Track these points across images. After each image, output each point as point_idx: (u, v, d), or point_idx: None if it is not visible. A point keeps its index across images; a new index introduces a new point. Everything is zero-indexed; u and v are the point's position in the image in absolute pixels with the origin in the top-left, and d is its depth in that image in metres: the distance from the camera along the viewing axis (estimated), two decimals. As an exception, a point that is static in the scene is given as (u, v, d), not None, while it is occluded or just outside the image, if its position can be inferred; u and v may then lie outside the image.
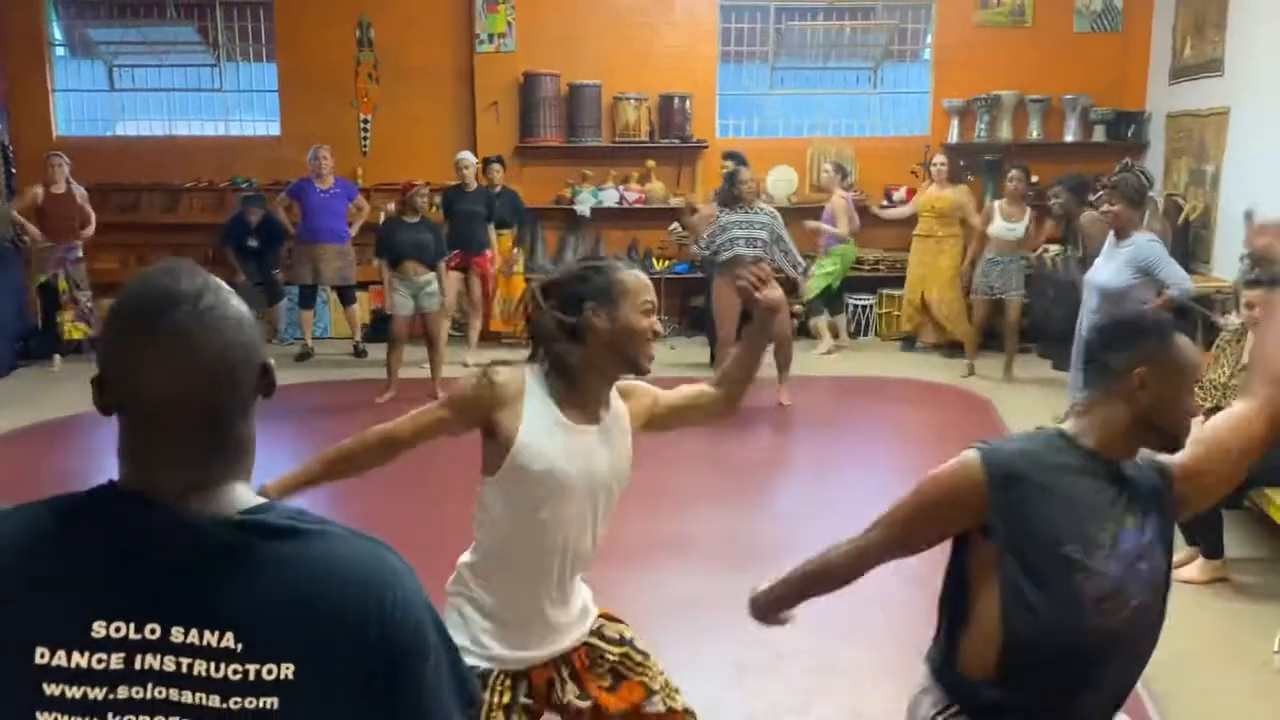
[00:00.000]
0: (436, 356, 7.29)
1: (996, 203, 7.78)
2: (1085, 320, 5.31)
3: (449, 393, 2.26)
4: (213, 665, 1.03)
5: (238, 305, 1.14)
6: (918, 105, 9.75)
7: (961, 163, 8.98)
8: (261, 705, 1.03)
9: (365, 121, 9.55)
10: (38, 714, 1.02)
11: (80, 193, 8.08)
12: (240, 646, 1.03)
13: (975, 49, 9.32)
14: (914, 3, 9.49)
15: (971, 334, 7.88)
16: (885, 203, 9.30)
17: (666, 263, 9.37)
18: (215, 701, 1.03)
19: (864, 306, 9.34)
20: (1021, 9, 9.33)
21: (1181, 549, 4.38)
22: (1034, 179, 8.74)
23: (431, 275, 7.14)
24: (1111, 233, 5.18)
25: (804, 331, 9.05)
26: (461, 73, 9.46)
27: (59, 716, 1.02)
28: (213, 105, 9.83)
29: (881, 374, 8.09)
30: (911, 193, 9.24)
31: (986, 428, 6.63)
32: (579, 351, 2.12)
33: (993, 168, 9.06)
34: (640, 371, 2.20)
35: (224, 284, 1.15)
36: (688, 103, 9.30)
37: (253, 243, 8.85)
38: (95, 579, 1.05)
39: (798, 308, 8.51)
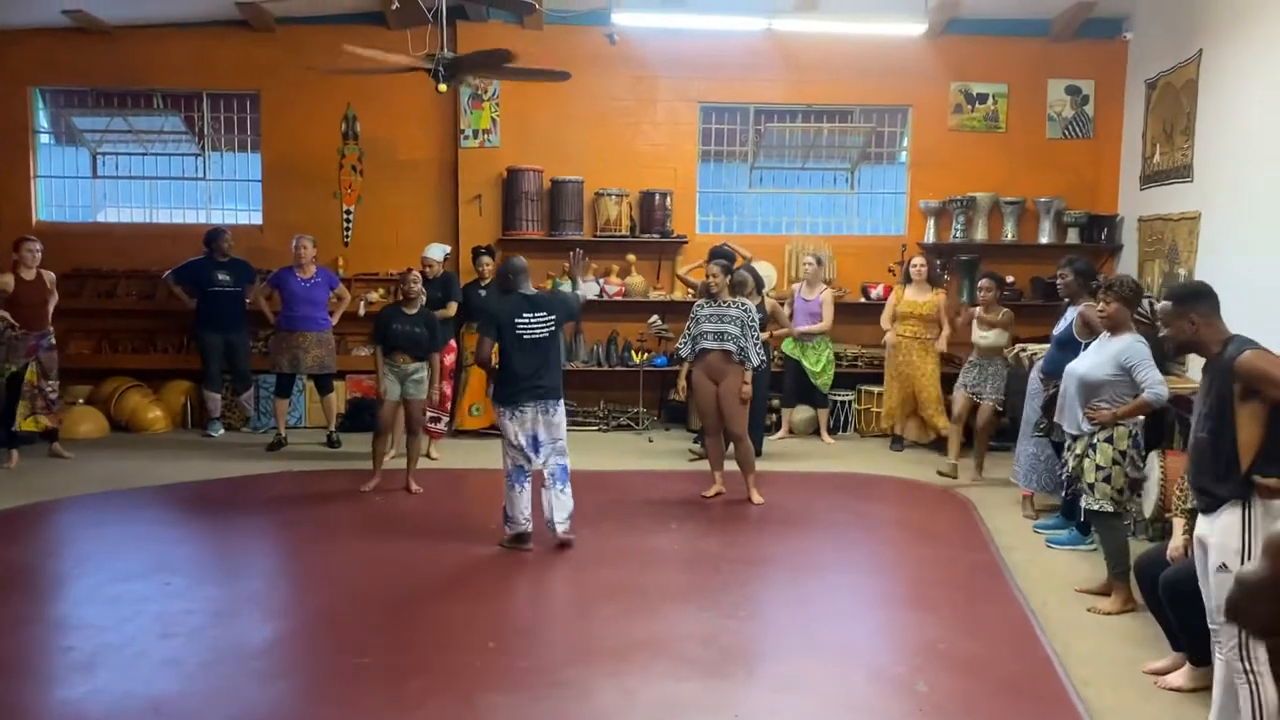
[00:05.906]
0: (414, 445, 7.19)
1: (975, 309, 7.81)
2: (1065, 402, 5.30)
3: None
4: (544, 318, 5.81)
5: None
6: (894, 205, 9.91)
7: (939, 262, 9.08)
8: (548, 329, 5.82)
9: (348, 212, 9.60)
10: (515, 332, 5.75)
11: (50, 277, 7.91)
12: (546, 313, 5.82)
13: (951, 152, 9.52)
14: (891, 106, 9.72)
15: (955, 431, 7.81)
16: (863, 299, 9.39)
17: (645, 355, 9.36)
18: (542, 325, 5.80)
19: (843, 402, 9.33)
20: (995, 115, 9.57)
21: (1167, 655, 4.30)
22: (1009, 279, 8.85)
23: (421, 365, 7.13)
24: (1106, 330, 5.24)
25: (779, 425, 9.05)
26: (445, 166, 9.56)
27: (520, 334, 5.75)
28: (195, 194, 9.86)
29: (863, 470, 8.03)
30: (889, 290, 9.31)
31: (966, 525, 6.58)
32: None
33: (970, 266, 9.18)
34: None
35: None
36: (668, 199, 9.42)
37: (223, 276, 8.66)
38: (523, 304, 5.80)
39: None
